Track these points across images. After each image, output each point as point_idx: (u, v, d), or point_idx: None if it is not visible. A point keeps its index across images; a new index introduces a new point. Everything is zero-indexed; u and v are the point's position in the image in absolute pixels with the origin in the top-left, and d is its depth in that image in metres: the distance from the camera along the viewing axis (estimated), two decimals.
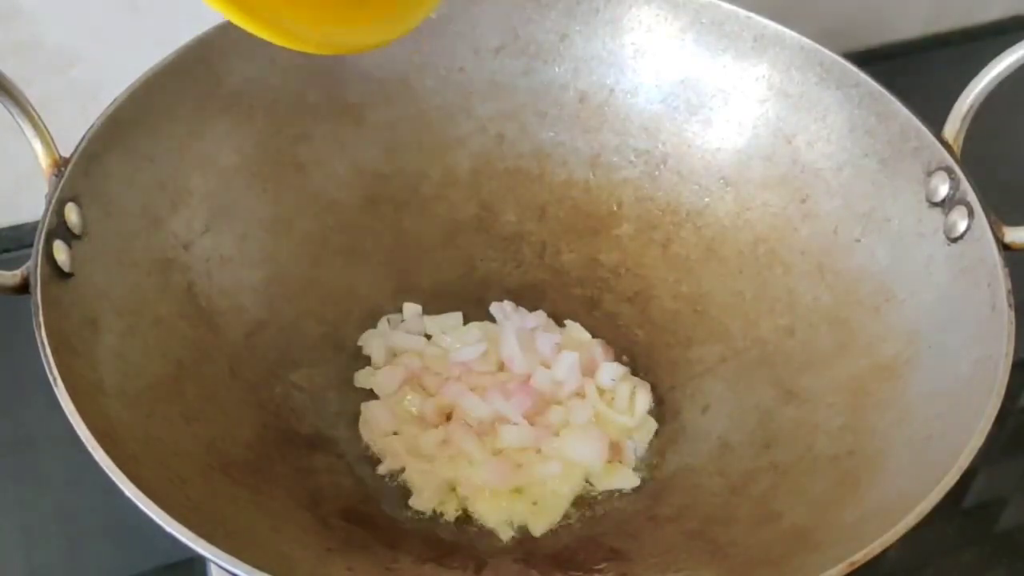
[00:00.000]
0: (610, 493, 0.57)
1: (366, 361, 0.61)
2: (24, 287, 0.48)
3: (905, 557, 0.62)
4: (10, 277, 0.48)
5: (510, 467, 0.56)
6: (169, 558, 0.58)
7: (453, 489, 0.56)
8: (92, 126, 0.52)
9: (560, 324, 0.63)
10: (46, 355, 0.45)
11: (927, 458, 0.48)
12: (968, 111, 0.56)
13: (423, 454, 0.56)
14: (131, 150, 0.54)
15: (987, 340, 0.50)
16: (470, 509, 0.55)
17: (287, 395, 0.57)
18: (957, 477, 0.45)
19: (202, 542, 0.41)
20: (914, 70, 0.88)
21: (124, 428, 0.47)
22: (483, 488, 0.55)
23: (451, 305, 0.63)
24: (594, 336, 0.63)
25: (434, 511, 0.55)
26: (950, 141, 0.56)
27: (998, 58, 0.54)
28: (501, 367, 0.60)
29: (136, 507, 0.42)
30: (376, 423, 0.57)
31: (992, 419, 0.46)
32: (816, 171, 0.61)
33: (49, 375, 0.45)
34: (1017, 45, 0.53)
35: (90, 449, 0.43)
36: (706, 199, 0.64)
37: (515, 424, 0.57)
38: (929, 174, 0.56)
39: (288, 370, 0.58)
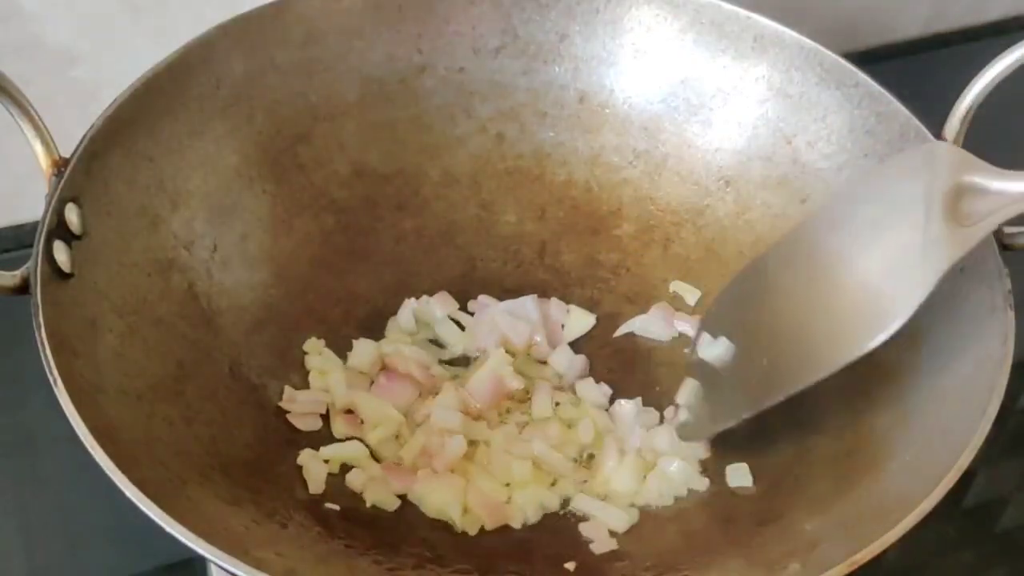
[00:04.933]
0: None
1: None
2: (24, 287, 0.48)
3: (905, 557, 0.62)
4: (10, 277, 0.48)
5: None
6: (169, 558, 0.58)
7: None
8: (92, 126, 0.52)
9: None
10: (46, 355, 0.45)
11: (927, 458, 0.48)
12: (968, 111, 0.55)
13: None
14: (131, 150, 0.54)
15: (987, 340, 0.50)
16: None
17: (287, 394, 0.57)
18: (957, 477, 0.45)
19: (202, 542, 0.41)
20: (914, 70, 0.88)
21: (124, 428, 0.47)
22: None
23: None
24: (594, 336, 0.63)
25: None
26: (950, 141, 0.56)
27: (998, 58, 0.54)
28: None
29: (136, 507, 0.42)
30: None
31: (992, 419, 0.47)
32: (816, 171, 0.61)
33: (49, 375, 0.45)
34: (1017, 45, 0.53)
35: (90, 449, 0.43)
36: (706, 199, 0.64)
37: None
38: None
39: (288, 370, 0.58)
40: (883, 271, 0.50)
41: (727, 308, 0.59)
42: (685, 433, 0.57)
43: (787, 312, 0.55)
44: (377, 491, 0.54)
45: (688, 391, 0.58)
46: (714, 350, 0.58)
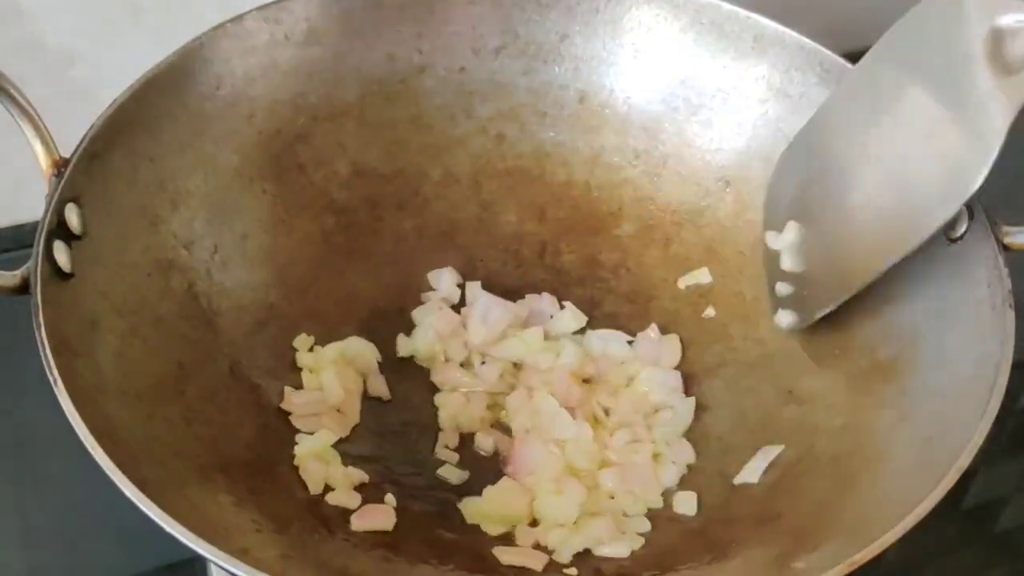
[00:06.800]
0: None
1: None
2: (24, 287, 0.48)
3: (905, 557, 0.62)
4: (10, 278, 0.48)
5: None
6: (169, 558, 0.58)
7: None
8: (92, 126, 0.52)
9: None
10: (46, 355, 0.45)
11: (927, 458, 0.48)
12: None
13: None
14: (131, 150, 0.54)
15: (987, 340, 0.50)
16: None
17: (287, 395, 0.57)
18: (957, 477, 0.45)
19: (202, 542, 0.41)
20: None
21: (124, 428, 0.47)
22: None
23: None
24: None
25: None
26: None
27: None
28: None
29: (136, 507, 0.42)
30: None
31: (992, 419, 0.47)
32: None
33: (49, 375, 0.45)
34: None
35: (90, 449, 0.43)
36: (706, 199, 0.64)
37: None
38: None
39: (288, 370, 0.58)
40: (942, 135, 0.47)
41: (783, 199, 0.57)
42: (790, 304, 0.55)
43: (852, 190, 0.52)
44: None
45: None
46: (785, 238, 0.56)
